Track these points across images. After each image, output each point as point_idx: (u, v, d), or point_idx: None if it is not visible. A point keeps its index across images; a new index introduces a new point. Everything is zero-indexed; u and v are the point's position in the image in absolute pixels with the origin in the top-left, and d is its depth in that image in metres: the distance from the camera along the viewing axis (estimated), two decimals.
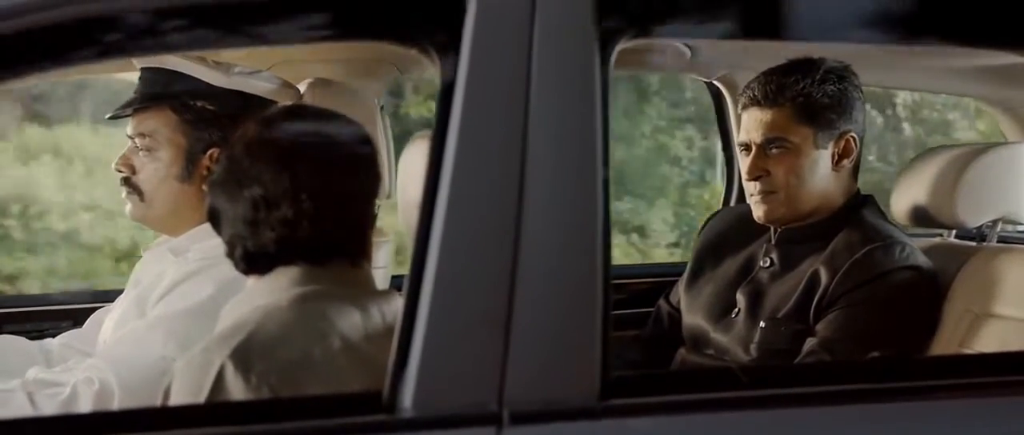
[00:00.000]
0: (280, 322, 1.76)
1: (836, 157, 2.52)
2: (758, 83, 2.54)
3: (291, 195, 1.78)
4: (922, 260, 2.45)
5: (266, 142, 1.82)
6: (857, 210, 2.54)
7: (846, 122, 2.51)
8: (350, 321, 1.77)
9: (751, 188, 2.57)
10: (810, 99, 2.49)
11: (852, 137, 2.52)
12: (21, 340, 2.51)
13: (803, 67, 2.51)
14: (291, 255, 1.82)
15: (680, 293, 2.80)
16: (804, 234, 2.55)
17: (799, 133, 2.50)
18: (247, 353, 1.69)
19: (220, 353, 1.69)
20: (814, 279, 2.45)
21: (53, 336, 2.58)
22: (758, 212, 2.57)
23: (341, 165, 1.86)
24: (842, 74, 2.52)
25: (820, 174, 2.51)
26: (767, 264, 2.59)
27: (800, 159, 2.50)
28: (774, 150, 2.51)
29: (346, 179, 1.85)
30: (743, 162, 2.58)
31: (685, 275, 2.80)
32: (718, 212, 2.97)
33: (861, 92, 2.55)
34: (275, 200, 1.79)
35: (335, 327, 1.76)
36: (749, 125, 2.54)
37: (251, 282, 1.86)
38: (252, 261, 1.83)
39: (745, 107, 2.57)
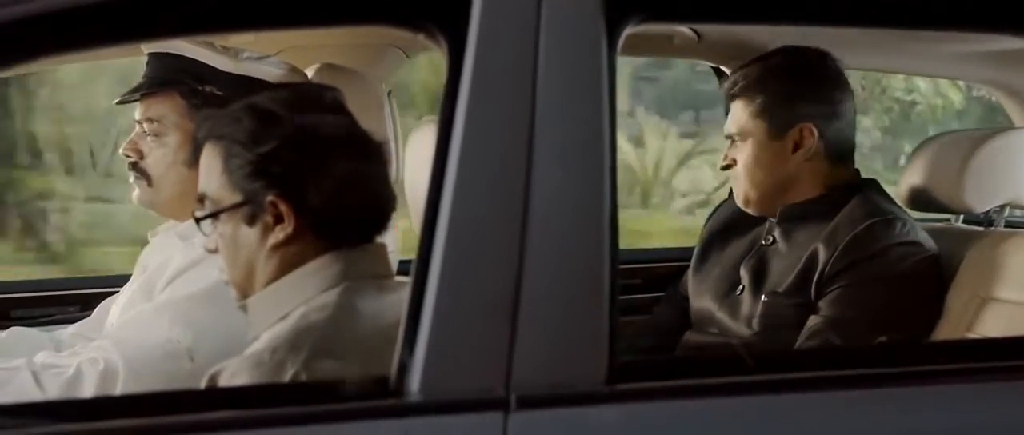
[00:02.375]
0: (343, 324, 1.78)
1: (793, 147, 2.54)
2: (728, 78, 2.65)
3: (317, 176, 1.79)
4: (923, 237, 2.47)
5: (277, 120, 1.82)
6: (859, 190, 2.55)
7: (801, 114, 2.53)
8: (394, 308, 1.78)
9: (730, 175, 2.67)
10: (758, 92, 2.55)
11: (809, 128, 2.53)
12: (32, 331, 2.51)
13: (760, 61, 2.60)
14: (328, 240, 1.83)
15: (688, 279, 2.81)
16: (806, 212, 2.57)
17: (752, 125, 2.57)
18: (319, 360, 1.71)
19: (294, 359, 1.71)
20: (815, 254, 2.47)
21: (60, 321, 2.59)
22: (735, 197, 2.67)
23: (360, 140, 1.87)
24: (803, 65, 2.56)
25: (778, 165, 2.57)
26: (769, 241, 2.61)
27: (756, 150, 2.57)
28: (737, 141, 2.60)
29: (369, 154, 1.86)
30: None
31: (693, 261, 2.81)
32: (726, 200, 2.98)
33: (833, 83, 2.56)
34: (303, 183, 1.79)
35: (386, 320, 1.76)
36: (728, 116, 2.64)
37: (288, 271, 1.85)
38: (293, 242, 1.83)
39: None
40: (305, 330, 1.75)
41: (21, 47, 1.54)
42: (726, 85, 2.63)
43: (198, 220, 1.87)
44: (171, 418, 1.53)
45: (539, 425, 1.55)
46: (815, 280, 2.45)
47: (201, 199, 1.87)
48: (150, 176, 2.32)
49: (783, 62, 2.56)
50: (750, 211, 2.64)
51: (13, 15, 1.50)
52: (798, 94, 2.54)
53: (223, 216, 1.84)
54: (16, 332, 2.47)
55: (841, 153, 2.57)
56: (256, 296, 1.85)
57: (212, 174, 1.84)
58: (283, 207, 1.80)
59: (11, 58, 1.58)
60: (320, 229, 1.82)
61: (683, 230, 9.23)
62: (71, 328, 2.53)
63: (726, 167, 2.64)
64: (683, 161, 10.85)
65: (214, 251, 1.89)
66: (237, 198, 1.82)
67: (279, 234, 1.81)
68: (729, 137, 2.62)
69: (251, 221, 1.83)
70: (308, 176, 1.80)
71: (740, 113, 2.58)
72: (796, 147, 2.54)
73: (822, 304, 2.43)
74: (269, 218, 1.81)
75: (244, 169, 1.81)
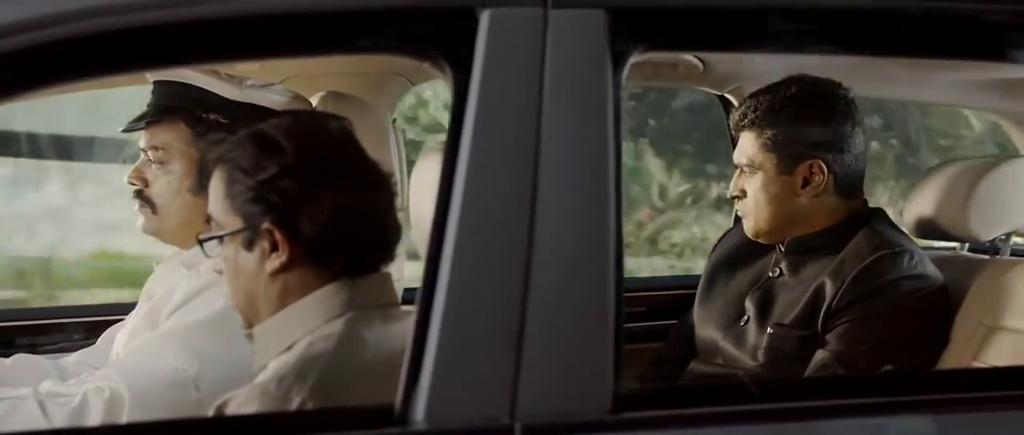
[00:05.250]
0: (348, 353, 1.78)
1: (803, 183, 2.53)
2: (738, 107, 2.62)
3: (324, 205, 1.79)
4: (931, 269, 2.46)
5: (280, 149, 1.82)
6: (867, 221, 2.54)
7: (812, 149, 2.52)
8: (400, 337, 1.77)
9: (738, 205, 2.66)
10: (768, 126, 2.53)
11: (818, 164, 2.52)
12: (36, 358, 2.51)
13: (771, 92, 2.56)
14: (331, 269, 1.83)
15: (694, 310, 2.81)
16: (814, 244, 2.56)
17: (763, 158, 2.55)
18: (325, 390, 1.71)
19: (300, 388, 1.70)
20: (822, 286, 2.46)
21: (65, 349, 2.58)
22: (745, 228, 2.65)
23: (364, 170, 1.87)
24: (813, 97, 2.54)
25: (787, 199, 2.55)
26: (776, 274, 2.61)
27: (766, 183, 2.55)
28: (747, 172, 2.58)
29: (372, 184, 1.86)
30: None
31: (699, 291, 2.81)
32: (731, 229, 2.98)
33: (844, 114, 2.54)
34: (300, 212, 1.79)
35: (391, 349, 1.76)
36: (737, 146, 2.62)
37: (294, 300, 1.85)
38: (293, 268, 1.83)
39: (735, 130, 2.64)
40: (311, 359, 1.75)
41: (24, 77, 1.55)
42: (735, 116, 2.61)
43: (201, 242, 1.87)
44: None
45: None
46: (822, 313, 2.44)
47: (208, 220, 1.88)
48: (155, 204, 2.32)
49: (792, 94, 2.53)
50: (760, 241, 2.63)
51: (16, 45, 1.51)
52: (808, 129, 2.52)
53: (225, 240, 1.85)
54: (21, 359, 2.47)
55: (850, 186, 2.56)
56: (261, 325, 1.85)
57: (217, 198, 1.85)
58: (278, 235, 1.80)
59: (13, 88, 1.58)
60: (321, 258, 1.82)
61: None
62: (75, 355, 2.53)
63: (735, 197, 2.63)
64: None
65: (222, 272, 1.90)
66: (237, 223, 1.83)
67: (275, 262, 1.81)
68: (738, 167, 2.61)
69: (249, 247, 1.83)
70: (306, 205, 1.80)
71: (749, 145, 2.56)
72: (805, 183, 2.53)
73: (829, 338, 2.42)
74: (266, 245, 1.81)
75: (244, 195, 1.81)
